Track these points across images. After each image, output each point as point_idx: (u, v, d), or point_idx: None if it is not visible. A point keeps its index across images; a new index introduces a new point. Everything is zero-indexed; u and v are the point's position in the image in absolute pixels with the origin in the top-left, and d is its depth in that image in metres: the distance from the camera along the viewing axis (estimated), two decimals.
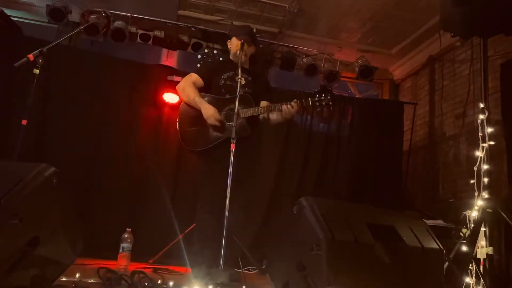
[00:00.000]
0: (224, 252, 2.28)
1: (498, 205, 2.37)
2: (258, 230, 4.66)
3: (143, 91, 4.74)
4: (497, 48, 4.26)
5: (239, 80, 2.68)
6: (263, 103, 2.94)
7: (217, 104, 2.98)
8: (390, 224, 2.06)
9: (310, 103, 2.93)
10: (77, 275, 2.22)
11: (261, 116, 2.97)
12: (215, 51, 5.12)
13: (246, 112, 2.85)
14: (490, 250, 2.33)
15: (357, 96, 6.37)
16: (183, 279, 2.82)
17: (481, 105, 2.60)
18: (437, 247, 2.10)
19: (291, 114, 2.89)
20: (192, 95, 3.00)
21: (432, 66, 5.55)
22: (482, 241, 2.37)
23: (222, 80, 3.05)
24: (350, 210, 2.13)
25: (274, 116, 2.96)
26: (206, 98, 3.01)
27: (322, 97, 2.93)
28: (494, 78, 4.20)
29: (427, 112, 5.57)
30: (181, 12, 5.22)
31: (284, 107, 2.86)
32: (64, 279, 2.11)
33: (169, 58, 5.66)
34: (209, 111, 2.90)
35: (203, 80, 3.09)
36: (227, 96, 2.99)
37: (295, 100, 2.88)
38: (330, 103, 2.93)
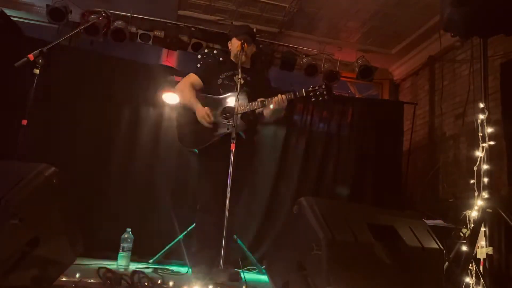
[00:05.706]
0: (224, 252, 2.28)
1: (498, 205, 2.37)
2: (258, 230, 4.67)
3: (143, 91, 4.74)
4: (497, 48, 4.26)
5: (238, 80, 2.68)
6: (258, 99, 2.95)
7: (214, 103, 2.98)
8: (390, 224, 2.06)
9: (304, 94, 2.92)
10: (77, 275, 2.22)
11: (257, 111, 2.97)
12: (215, 51, 5.11)
13: (241, 108, 2.85)
14: (490, 250, 2.33)
15: (357, 96, 6.37)
16: (183, 279, 2.82)
17: (481, 105, 2.60)
18: (437, 247, 2.11)
19: (283, 105, 2.87)
20: (188, 97, 3.01)
21: (432, 66, 5.55)
22: (482, 241, 2.37)
23: (220, 79, 3.06)
24: (350, 210, 2.12)
25: (268, 110, 2.94)
26: (203, 98, 3.01)
27: (317, 88, 2.92)
28: (494, 78, 4.21)
29: (427, 112, 5.57)
30: (181, 12, 5.22)
31: (276, 98, 2.86)
32: (64, 279, 2.11)
33: (169, 58, 5.66)
34: (201, 113, 2.91)
35: (202, 80, 3.09)
36: (223, 95, 3.00)
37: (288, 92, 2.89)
38: (325, 92, 2.91)
